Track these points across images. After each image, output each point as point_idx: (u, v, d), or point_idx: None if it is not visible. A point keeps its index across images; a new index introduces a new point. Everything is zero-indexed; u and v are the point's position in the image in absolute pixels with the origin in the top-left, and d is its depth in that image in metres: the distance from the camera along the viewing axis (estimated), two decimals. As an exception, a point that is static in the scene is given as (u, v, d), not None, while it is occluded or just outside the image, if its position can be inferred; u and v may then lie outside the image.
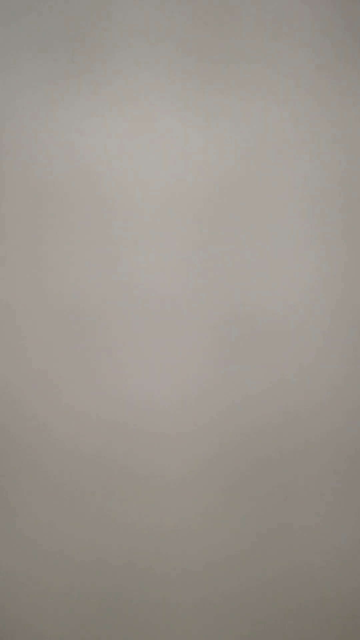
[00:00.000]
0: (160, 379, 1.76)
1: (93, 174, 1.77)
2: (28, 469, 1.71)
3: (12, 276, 1.73)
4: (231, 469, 1.78)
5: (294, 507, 1.80)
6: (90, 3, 1.78)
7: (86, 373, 1.74)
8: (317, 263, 1.83)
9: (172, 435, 1.76)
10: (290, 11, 1.85)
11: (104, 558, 1.74)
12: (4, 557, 1.71)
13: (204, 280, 1.79)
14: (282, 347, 1.81)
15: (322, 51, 1.86)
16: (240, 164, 1.82)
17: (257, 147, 1.83)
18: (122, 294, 1.76)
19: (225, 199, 1.81)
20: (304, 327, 1.82)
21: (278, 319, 1.81)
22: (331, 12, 1.86)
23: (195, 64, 1.81)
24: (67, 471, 1.73)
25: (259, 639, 1.78)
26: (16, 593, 1.71)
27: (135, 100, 1.79)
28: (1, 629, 1.70)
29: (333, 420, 1.82)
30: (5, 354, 1.72)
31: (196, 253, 1.79)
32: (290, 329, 1.81)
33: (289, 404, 1.80)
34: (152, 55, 1.79)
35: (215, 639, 1.76)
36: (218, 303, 1.79)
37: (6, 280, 1.73)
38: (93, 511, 1.73)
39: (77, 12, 1.78)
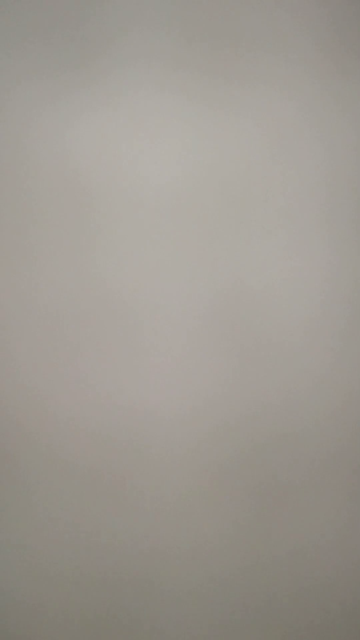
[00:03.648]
0: (159, 390, 1.77)
1: (90, 169, 1.76)
2: (25, 482, 1.73)
3: (1, 285, 1.75)
4: (235, 484, 1.79)
5: (298, 520, 1.81)
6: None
7: (82, 384, 1.75)
8: (329, 272, 1.82)
9: (171, 446, 1.77)
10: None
11: (103, 571, 1.75)
12: (1, 571, 1.73)
13: (208, 287, 1.79)
14: (287, 357, 1.81)
15: (329, 37, 1.84)
16: (247, 158, 1.80)
17: (263, 138, 1.81)
18: (120, 301, 1.76)
19: (231, 196, 1.80)
20: (311, 337, 1.81)
21: (286, 331, 1.81)
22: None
23: (196, 52, 1.79)
24: (64, 484, 1.74)
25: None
26: (14, 606, 1.73)
27: (135, 92, 1.78)
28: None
29: (340, 437, 1.82)
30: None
31: (199, 256, 1.79)
32: (297, 338, 1.81)
33: (293, 415, 1.81)
34: (151, 44, 1.78)
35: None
36: (222, 311, 1.79)
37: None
38: (91, 524, 1.75)
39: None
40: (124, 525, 1.75)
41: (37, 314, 1.74)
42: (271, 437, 1.79)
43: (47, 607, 1.73)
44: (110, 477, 1.75)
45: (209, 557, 1.77)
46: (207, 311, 1.78)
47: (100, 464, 1.75)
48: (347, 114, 1.84)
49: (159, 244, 1.78)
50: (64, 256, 1.75)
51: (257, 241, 1.80)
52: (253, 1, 1.81)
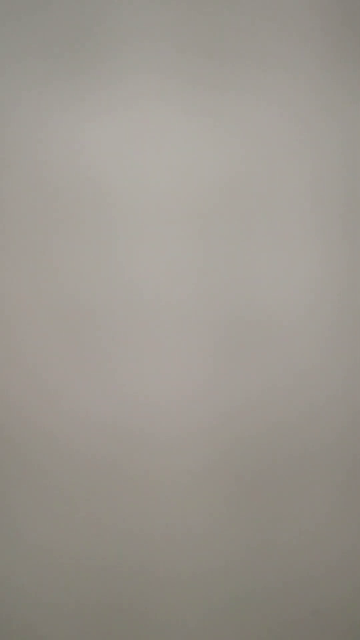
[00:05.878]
0: (161, 383, 1.76)
1: (93, 176, 1.77)
2: (27, 473, 1.72)
3: (9, 279, 1.74)
4: (233, 473, 1.78)
5: (296, 512, 1.80)
6: (89, 0, 1.78)
7: (86, 376, 1.74)
8: (321, 268, 1.83)
9: (173, 439, 1.76)
10: (292, 6, 1.84)
11: (105, 563, 1.74)
12: (3, 561, 1.71)
13: (206, 284, 1.80)
14: (284, 352, 1.81)
15: (326, 48, 1.85)
16: (244, 165, 1.82)
17: (261, 147, 1.82)
18: (123, 297, 1.76)
19: (229, 201, 1.81)
20: (307, 333, 1.82)
21: (281, 324, 1.81)
22: (333, 7, 1.86)
23: (197, 63, 1.80)
24: (67, 475, 1.73)
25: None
26: (16, 597, 1.71)
27: (136, 101, 1.79)
28: (1, 633, 1.70)
29: (335, 427, 1.82)
30: (2, 357, 1.72)
31: (198, 256, 1.80)
32: (293, 334, 1.82)
33: (291, 409, 1.81)
34: (152, 54, 1.79)
35: (217, 647, 1.79)
36: (220, 307, 1.80)
37: (3, 283, 1.73)
38: (93, 516, 1.74)
39: (75, 9, 1.77)
40: (125, 514, 1.74)
41: (46, 308, 1.74)
42: (269, 427, 1.79)
43: (48, 597, 1.72)
44: (112, 466, 1.74)
45: (208, 545, 1.77)
46: (207, 307, 1.79)
47: (102, 453, 1.74)
48: (345, 128, 1.86)
49: (159, 245, 1.78)
50: (69, 256, 1.75)
51: (258, 246, 1.81)
52: (253, 15, 1.83)
